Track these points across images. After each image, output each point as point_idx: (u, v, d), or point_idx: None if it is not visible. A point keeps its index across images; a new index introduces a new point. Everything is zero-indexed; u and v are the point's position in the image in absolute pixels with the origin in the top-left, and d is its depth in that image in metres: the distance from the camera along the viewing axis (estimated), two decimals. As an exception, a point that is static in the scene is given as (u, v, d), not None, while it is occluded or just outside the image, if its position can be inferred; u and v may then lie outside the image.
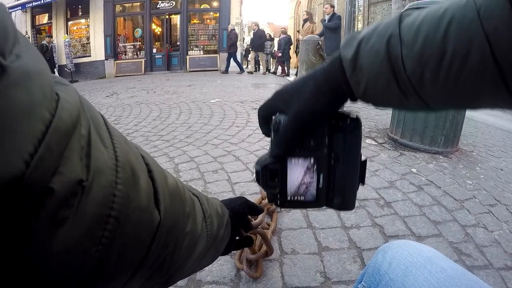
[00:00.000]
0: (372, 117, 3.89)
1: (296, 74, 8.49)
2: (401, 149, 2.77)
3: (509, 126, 5.16)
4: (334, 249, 1.44)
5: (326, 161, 0.50)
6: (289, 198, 0.53)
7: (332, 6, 7.81)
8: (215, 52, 14.97)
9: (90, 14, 15.27)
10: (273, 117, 0.49)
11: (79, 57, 15.66)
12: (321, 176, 0.51)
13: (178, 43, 15.79)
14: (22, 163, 0.19)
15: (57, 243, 0.22)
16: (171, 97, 6.07)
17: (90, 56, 15.68)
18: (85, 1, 15.11)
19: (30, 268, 0.21)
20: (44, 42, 12.47)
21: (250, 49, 13.18)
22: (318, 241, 1.48)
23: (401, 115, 2.89)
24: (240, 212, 0.71)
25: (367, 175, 2.14)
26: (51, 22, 15.72)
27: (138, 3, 15.48)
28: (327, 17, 7.72)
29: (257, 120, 0.54)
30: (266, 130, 0.53)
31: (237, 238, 0.76)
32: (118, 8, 15.57)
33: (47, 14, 16.03)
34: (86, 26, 15.72)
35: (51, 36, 13.42)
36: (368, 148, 2.78)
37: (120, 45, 15.70)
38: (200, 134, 3.32)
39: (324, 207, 0.54)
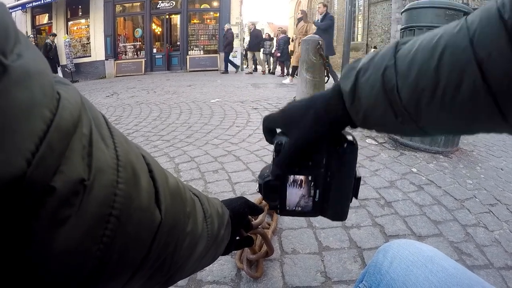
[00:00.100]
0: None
1: (292, 75, 8.45)
2: (401, 148, 2.77)
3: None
4: (335, 248, 1.44)
5: (322, 178, 0.55)
6: (287, 208, 0.59)
7: (325, 6, 7.76)
8: (215, 52, 14.98)
9: (90, 14, 15.27)
10: (276, 137, 0.55)
11: (79, 57, 15.66)
12: (318, 191, 0.57)
13: (178, 43, 15.80)
14: (23, 161, 0.19)
15: (58, 243, 0.22)
16: (172, 97, 6.07)
17: (90, 56, 15.69)
18: (85, 1, 15.11)
19: (30, 268, 0.21)
20: (48, 40, 12.46)
21: (246, 49, 13.14)
22: (318, 241, 1.48)
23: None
24: (240, 212, 0.71)
25: (367, 174, 2.16)
26: (51, 22, 15.72)
27: (138, 3, 15.48)
28: (320, 17, 7.70)
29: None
30: (269, 139, 0.58)
31: (237, 238, 0.76)
32: (118, 8, 15.57)
33: (47, 14, 16.03)
34: (86, 26, 15.72)
35: (55, 35, 13.41)
36: (368, 148, 2.78)
37: (120, 45, 15.71)
38: (201, 134, 3.32)
39: (319, 216, 0.60)
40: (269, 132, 0.58)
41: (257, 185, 0.60)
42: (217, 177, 2.24)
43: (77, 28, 16.02)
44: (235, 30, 14.67)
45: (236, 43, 14.25)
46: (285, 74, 10.82)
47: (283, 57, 11.54)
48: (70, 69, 14.05)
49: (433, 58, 0.37)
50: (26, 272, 0.21)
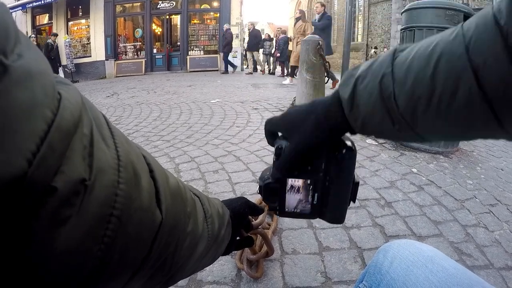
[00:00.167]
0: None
1: (291, 75, 8.44)
2: (401, 149, 2.77)
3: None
4: (335, 249, 1.44)
5: (321, 182, 0.57)
6: (286, 210, 0.61)
7: (323, 5, 7.72)
8: (215, 52, 14.99)
9: (91, 14, 15.27)
10: (276, 140, 0.56)
11: (80, 57, 15.67)
12: (316, 194, 0.58)
13: (178, 43, 15.81)
14: (24, 161, 0.19)
15: (59, 243, 0.22)
16: (172, 97, 6.07)
17: (90, 56, 15.70)
18: (85, 2, 15.12)
19: (30, 268, 0.21)
20: (49, 40, 12.44)
21: (246, 49, 13.11)
22: (318, 241, 1.49)
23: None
24: (240, 212, 0.71)
25: (367, 175, 2.16)
26: (52, 22, 15.73)
27: (139, 3, 15.49)
28: (317, 16, 7.67)
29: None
30: (270, 142, 0.59)
31: (237, 238, 0.76)
32: (119, 8, 15.58)
33: (47, 15, 16.04)
34: (87, 26, 15.73)
35: (56, 35, 13.40)
36: (368, 148, 2.78)
37: (121, 45, 15.72)
38: (201, 134, 3.32)
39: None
40: (271, 135, 0.59)
41: (258, 186, 0.61)
42: (217, 177, 2.24)
43: (77, 28, 16.04)
44: (235, 30, 14.69)
45: (236, 43, 14.27)
46: (285, 74, 10.81)
47: (283, 57, 11.53)
48: (70, 69, 14.07)
49: (429, 66, 0.38)
50: (26, 272, 0.21)
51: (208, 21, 15.73)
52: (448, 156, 2.64)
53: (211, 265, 0.63)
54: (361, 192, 1.96)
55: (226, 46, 12.08)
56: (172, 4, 15.30)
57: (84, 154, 0.24)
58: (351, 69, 0.49)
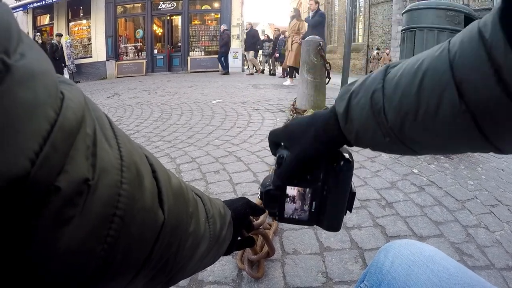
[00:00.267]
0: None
1: (291, 75, 8.42)
2: (402, 149, 2.76)
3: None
4: (336, 249, 1.44)
5: (319, 191, 0.60)
6: (285, 216, 0.64)
7: (317, 3, 7.64)
8: (216, 53, 14.94)
9: (92, 15, 15.28)
10: (278, 150, 0.59)
11: (81, 58, 15.69)
12: (314, 203, 0.61)
13: (179, 44, 15.81)
14: (27, 161, 0.19)
15: (62, 242, 0.22)
16: (173, 98, 6.07)
17: (91, 57, 15.71)
18: (86, 2, 15.12)
19: (30, 268, 0.21)
20: (54, 41, 12.39)
21: (244, 50, 13.07)
22: (319, 242, 1.49)
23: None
24: (242, 212, 0.71)
25: (368, 175, 2.16)
26: (53, 23, 15.75)
27: (139, 4, 15.50)
28: (311, 14, 7.61)
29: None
30: (273, 152, 0.62)
31: (239, 238, 0.76)
32: (119, 9, 15.59)
33: (48, 15, 16.06)
34: (88, 27, 15.74)
35: (61, 35, 13.34)
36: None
37: (122, 46, 15.72)
38: (202, 135, 3.32)
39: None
40: (273, 145, 0.62)
41: (259, 189, 0.65)
42: (218, 177, 2.24)
43: (78, 29, 16.05)
44: (236, 31, 14.70)
45: (237, 44, 14.26)
46: (286, 75, 10.81)
47: (282, 58, 11.51)
48: (71, 69, 14.05)
49: (414, 83, 0.39)
50: (26, 272, 0.21)
51: (209, 22, 15.74)
52: (449, 157, 2.64)
53: (212, 265, 0.63)
54: (362, 193, 1.96)
55: (223, 47, 12.06)
56: (173, 5, 15.31)
57: (87, 154, 0.24)
58: (347, 85, 0.52)
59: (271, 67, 13.31)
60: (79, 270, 0.25)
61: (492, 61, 0.31)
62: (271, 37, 14.34)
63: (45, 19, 16.34)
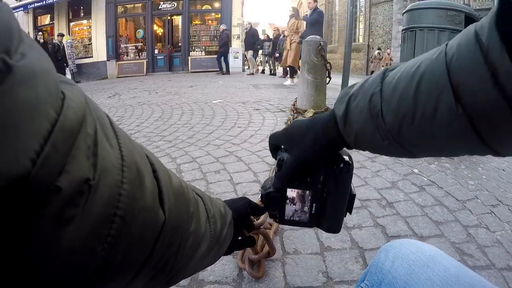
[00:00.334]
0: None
1: (291, 75, 8.42)
2: (403, 149, 2.76)
3: None
4: (336, 249, 1.44)
5: (319, 193, 0.60)
6: (286, 218, 0.65)
7: (315, 1, 7.54)
8: (217, 53, 14.96)
9: (92, 15, 15.29)
10: (279, 152, 0.60)
11: (81, 58, 15.70)
12: (314, 205, 0.62)
13: (179, 44, 15.83)
14: (28, 161, 0.19)
15: (63, 242, 0.22)
16: (173, 98, 6.07)
17: (92, 57, 15.72)
18: (87, 2, 15.14)
19: (30, 268, 0.21)
20: (56, 41, 12.35)
21: (245, 49, 13.02)
22: (320, 241, 1.49)
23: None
24: (243, 212, 0.71)
25: (369, 175, 2.16)
26: (53, 23, 15.77)
27: (140, 4, 15.52)
28: (309, 12, 7.54)
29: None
30: (274, 155, 0.63)
31: (239, 238, 0.76)
32: (120, 9, 15.60)
33: (49, 15, 16.08)
34: (88, 27, 15.76)
35: (63, 35, 13.32)
36: (370, 148, 2.77)
37: (122, 46, 15.74)
38: (202, 135, 3.33)
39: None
40: (273, 148, 0.63)
41: (259, 191, 0.66)
42: (219, 177, 2.24)
43: (78, 29, 16.07)
44: (236, 31, 14.70)
45: (238, 43, 14.27)
46: (286, 75, 10.78)
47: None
48: (72, 69, 14.05)
49: (411, 86, 0.39)
50: (25, 272, 0.21)
51: (210, 21, 15.76)
52: (450, 157, 2.63)
53: (212, 265, 0.63)
54: (363, 192, 1.96)
55: (222, 47, 12.04)
56: (173, 5, 15.32)
57: (88, 153, 0.24)
58: (346, 88, 0.53)
59: (271, 67, 13.28)
60: (79, 270, 0.24)
61: (489, 64, 0.31)
62: (271, 36, 14.31)
63: (45, 19, 16.36)
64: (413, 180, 2.15)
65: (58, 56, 11.84)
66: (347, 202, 0.61)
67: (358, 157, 2.50)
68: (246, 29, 12.67)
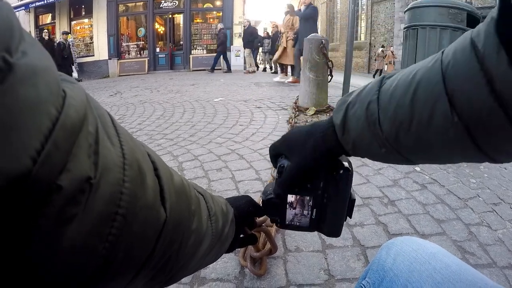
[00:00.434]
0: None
1: (293, 74, 8.38)
2: (404, 147, 2.75)
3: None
4: (338, 247, 1.44)
5: (319, 199, 0.62)
6: (287, 223, 0.66)
7: None
8: (218, 51, 15.00)
9: (93, 13, 15.30)
10: (279, 160, 0.61)
11: (83, 56, 15.71)
12: (315, 210, 0.63)
13: (181, 42, 15.83)
14: (28, 159, 0.19)
15: (64, 241, 0.22)
16: (175, 96, 6.07)
17: (93, 55, 15.74)
18: (88, 1, 15.16)
19: (30, 268, 0.21)
20: (61, 39, 12.31)
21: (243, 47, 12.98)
22: (322, 239, 1.48)
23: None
24: (245, 210, 0.71)
25: (370, 173, 2.15)
26: (54, 22, 15.78)
27: (141, 3, 15.52)
28: (303, 8, 7.44)
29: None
30: (274, 164, 0.64)
31: (241, 236, 0.76)
32: (121, 7, 15.61)
33: (50, 14, 16.08)
34: (90, 25, 15.77)
35: (68, 33, 13.27)
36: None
37: (124, 44, 15.76)
38: (204, 133, 3.33)
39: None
40: (274, 157, 0.64)
41: (261, 200, 0.68)
42: (221, 175, 2.24)
43: (80, 28, 16.08)
44: (238, 29, 14.68)
45: (239, 42, 14.24)
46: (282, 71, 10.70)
47: None
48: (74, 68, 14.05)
49: (407, 94, 0.40)
50: (25, 272, 0.21)
51: (211, 20, 15.74)
52: (447, 164, 2.63)
53: (214, 262, 0.63)
54: (364, 190, 1.96)
55: (220, 46, 12.02)
56: (174, 3, 15.32)
57: (90, 152, 0.24)
58: (344, 96, 0.54)
59: (272, 65, 13.24)
60: (79, 269, 0.24)
61: (485, 71, 0.31)
62: (270, 34, 14.27)
63: (47, 18, 16.36)
64: (415, 178, 2.15)
65: (64, 54, 11.79)
66: (347, 207, 0.62)
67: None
68: (244, 26, 12.61)
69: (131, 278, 0.31)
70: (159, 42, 16.13)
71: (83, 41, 16.05)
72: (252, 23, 13.80)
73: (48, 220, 0.21)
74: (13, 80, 0.19)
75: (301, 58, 7.81)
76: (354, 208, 0.64)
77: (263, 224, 0.91)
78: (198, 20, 15.82)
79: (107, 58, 15.32)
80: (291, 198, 0.62)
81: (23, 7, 14.98)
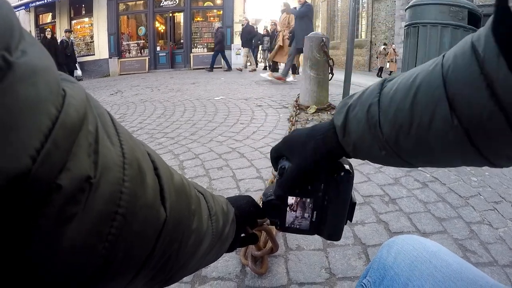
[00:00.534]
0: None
1: (293, 72, 8.38)
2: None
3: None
4: (339, 245, 1.44)
5: (320, 202, 0.61)
6: (287, 225, 0.66)
7: None
8: (219, 49, 14.99)
9: (94, 12, 15.31)
10: (280, 161, 0.61)
11: (83, 55, 15.71)
12: (315, 213, 0.63)
13: (181, 41, 15.83)
14: (28, 158, 0.19)
15: (63, 241, 0.22)
16: (176, 95, 6.08)
17: (94, 54, 15.75)
18: (88, 0, 15.15)
19: (30, 268, 0.21)
20: (63, 37, 12.27)
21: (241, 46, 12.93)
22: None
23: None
24: (246, 210, 0.71)
25: (372, 171, 2.15)
26: (55, 21, 15.78)
27: (142, 1, 15.53)
28: (298, 6, 7.45)
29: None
30: (275, 166, 0.64)
31: (242, 235, 0.76)
32: (122, 6, 15.61)
33: (50, 13, 16.09)
34: (90, 24, 15.77)
35: (70, 31, 13.25)
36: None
37: (124, 43, 15.77)
38: (205, 131, 3.33)
39: (311, 236, 0.65)
40: (275, 160, 0.65)
41: (261, 202, 0.68)
42: (222, 174, 2.24)
43: (80, 27, 16.09)
44: (238, 27, 14.65)
45: (239, 40, 14.24)
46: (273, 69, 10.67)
47: None
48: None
49: (408, 97, 0.40)
50: (25, 272, 0.21)
51: (211, 18, 15.73)
52: (447, 167, 2.62)
53: (215, 261, 0.63)
54: (365, 189, 1.96)
55: (217, 45, 12.02)
56: (175, 2, 15.31)
57: (89, 151, 0.24)
58: (346, 98, 0.54)
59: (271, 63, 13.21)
60: (79, 269, 0.24)
61: (485, 75, 0.31)
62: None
63: (47, 18, 16.37)
64: (416, 177, 2.15)
65: (67, 52, 11.76)
66: (348, 210, 0.62)
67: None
68: (243, 25, 12.58)
69: (131, 278, 0.31)
70: (160, 41, 16.14)
71: (83, 40, 16.06)
72: (252, 22, 13.79)
73: (48, 219, 0.21)
74: (13, 79, 0.19)
75: (297, 56, 7.83)
76: (355, 207, 0.64)
77: (264, 223, 0.91)
78: (198, 19, 15.81)
79: (107, 57, 15.33)
80: (291, 200, 0.62)
81: (23, 7, 14.99)
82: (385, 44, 19.60)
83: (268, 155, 2.46)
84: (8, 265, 0.20)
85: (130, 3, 15.80)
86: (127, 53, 15.78)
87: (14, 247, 0.20)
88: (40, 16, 16.37)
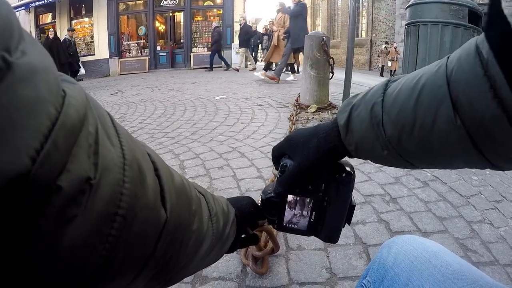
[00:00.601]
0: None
1: (292, 71, 8.38)
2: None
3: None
4: (340, 245, 1.44)
5: (320, 202, 0.61)
6: (284, 224, 0.66)
7: None
8: (219, 49, 14.98)
9: (94, 12, 15.31)
10: (282, 159, 0.61)
11: (83, 55, 15.70)
12: (314, 213, 0.63)
13: (182, 40, 15.83)
14: (27, 159, 0.19)
15: (64, 242, 0.22)
16: (176, 95, 6.07)
17: (94, 54, 15.76)
18: (88, 0, 15.14)
19: (30, 268, 0.21)
20: (66, 36, 12.21)
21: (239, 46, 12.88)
22: (323, 237, 1.48)
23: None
24: (246, 211, 0.71)
25: (372, 170, 2.15)
26: (55, 21, 15.78)
27: (142, 1, 15.53)
28: (292, 5, 7.39)
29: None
30: (276, 165, 0.64)
31: (243, 236, 0.76)
32: (122, 6, 15.61)
33: (50, 14, 16.09)
34: (90, 24, 15.78)
35: (73, 30, 13.17)
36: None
37: (124, 43, 15.77)
38: (205, 131, 3.33)
39: (312, 236, 0.68)
40: (276, 158, 0.64)
41: (260, 199, 0.67)
42: (222, 173, 2.24)
43: (80, 27, 16.08)
44: (238, 27, 14.64)
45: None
46: (288, 70, 10.68)
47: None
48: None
49: (411, 98, 0.40)
50: (25, 272, 0.21)
51: (212, 18, 15.72)
52: (449, 169, 2.62)
53: (216, 261, 0.63)
54: (366, 188, 1.96)
55: (214, 44, 12.02)
56: (175, 2, 15.31)
57: (90, 152, 0.24)
58: (350, 98, 0.55)
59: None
60: (79, 269, 0.24)
61: (488, 76, 0.31)
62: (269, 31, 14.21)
63: (47, 18, 16.37)
64: (416, 176, 2.15)
65: (70, 51, 11.72)
66: (347, 212, 0.62)
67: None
68: (240, 25, 12.55)
69: (131, 278, 0.31)
70: (160, 41, 16.14)
71: (83, 40, 16.06)
72: (252, 21, 13.76)
73: (48, 220, 0.21)
74: (12, 80, 0.19)
75: (297, 55, 7.81)
76: (356, 206, 0.64)
77: (265, 223, 0.91)
78: (198, 18, 15.81)
79: (107, 57, 15.35)
80: (291, 199, 0.62)
81: (23, 7, 15.00)
82: (386, 43, 19.60)
83: (269, 155, 2.48)
84: (8, 265, 0.20)
85: (130, 3, 15.81)
86: (127, 53, 15.79)
87: (14, 247, 0.20)
88: (40, 16, 16.37)
